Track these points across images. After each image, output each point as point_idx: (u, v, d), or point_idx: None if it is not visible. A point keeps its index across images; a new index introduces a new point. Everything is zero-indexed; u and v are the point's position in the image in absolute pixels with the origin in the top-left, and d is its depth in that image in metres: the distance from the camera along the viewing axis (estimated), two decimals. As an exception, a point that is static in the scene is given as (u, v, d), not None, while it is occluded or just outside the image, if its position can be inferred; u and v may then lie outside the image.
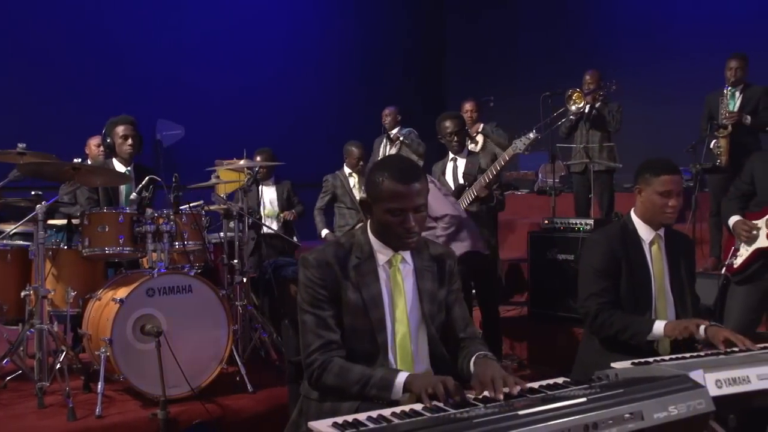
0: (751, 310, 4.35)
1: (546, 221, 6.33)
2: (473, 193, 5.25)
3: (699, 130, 7.06)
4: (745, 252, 4.34)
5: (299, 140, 10.29)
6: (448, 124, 5.48)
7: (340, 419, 2.09)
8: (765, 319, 4.84)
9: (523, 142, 5.21)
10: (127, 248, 4.51)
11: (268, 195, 6.99)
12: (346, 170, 6.90)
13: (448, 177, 5.58)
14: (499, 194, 5.53)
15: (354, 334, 2.59)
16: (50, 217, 4.75)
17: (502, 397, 2.21)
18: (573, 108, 7.23)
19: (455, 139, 5.47)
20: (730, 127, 6.58)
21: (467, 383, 2.51)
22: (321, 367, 2.52)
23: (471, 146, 6.96)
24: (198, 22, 10.35)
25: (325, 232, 6.81)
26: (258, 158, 6.98)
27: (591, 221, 6.00)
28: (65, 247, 4.69)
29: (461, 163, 5.54)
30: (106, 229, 4.46)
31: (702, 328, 3.32)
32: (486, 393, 2.27)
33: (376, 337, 2.59)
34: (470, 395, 2.30)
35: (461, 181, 5.48)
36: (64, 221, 4.81)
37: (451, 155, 5.60)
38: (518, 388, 2.25)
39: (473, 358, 2.58)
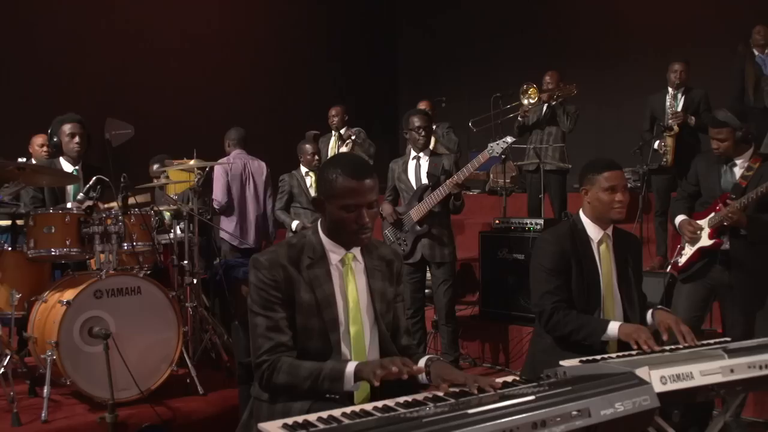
0: (696, 308, 4.45)
1: (497, 221, 6.40)
2: (443, 192, 5.24)
3: (641, 131, 7.22)
4: (689, 251, 4.44)
5: (248, 140, 10.20)
6: (416, 119, 5.47)
7: (290, 420, 2.08)
8: (709, 316, 4.96)
9: (500, 146, 5.24)
10: (74, 249, 4.42)
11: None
12: (303, 169, 6.78)
13: (411, 175, 5.53)
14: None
15: (307, 333, 2.60)
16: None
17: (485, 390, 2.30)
18: (526, 102, 7.28)
19: (422, 133, 5.45)
20: (676, 128, 6.74)
21: (414, 386, 2.54)
22: (270, 367, 2.52)
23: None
24: (146, 19, 10.20)
25: (295, 223, 6.58)
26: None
27: (541, 221, 6.07)
28: (9, 249, 4.58)
29: (424, 162, 5.51)
30: (53, 230, 4.36)
31: (649, 312, 3.40)
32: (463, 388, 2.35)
33: (328, 336, 2.60)
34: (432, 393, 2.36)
35: (424, 180, 5.47)
36: (8, 222, 4.71)
37: (413, 153, 5.55)
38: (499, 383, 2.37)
39: (424, 360, 2.60)
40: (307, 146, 6.81)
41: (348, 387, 2.42)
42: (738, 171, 4.30)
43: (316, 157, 6.76)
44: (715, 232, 4.29)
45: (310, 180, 6.74)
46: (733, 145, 4.28)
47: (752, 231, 4.16)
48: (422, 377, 2.54)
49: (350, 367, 2.43)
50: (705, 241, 4.34)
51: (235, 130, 7.10)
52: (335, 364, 2.48)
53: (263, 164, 6.99)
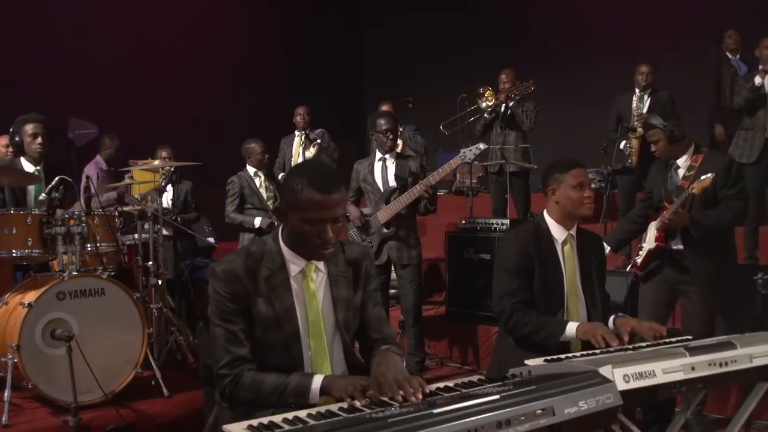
0: (660, 305, 4.51)
1: (463, 221, 6.43)
2: (413, 194, 5.24)
3: (607, 132, 7.30)
4: (643, 251, 4.52)
5: (214, 139, 10.14)
6: (383, 121, 5.44)
7: (255, 422, 2.07)
8: (675, 315, 5.03)
9: (473, 152, 5.30)
10: (36, 251, 4.37)
11: (166, 195, 6.52)
12: (250, 170, 6.67)
13: (377, 177, 5.49)
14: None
15: (267, 347, 2.54)
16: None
17: (411, 400, 2.17)
18: (483, 105, 7.27)
19: (390, 136, 5.43)
20: (640, 129, 6.82)
21: None
22: (232, 383, 2.48)
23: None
24: (109, 19, 10.08)
25: (258, 220, 6.43)
26: (163, 153, 6.87)
27: (507, 221, 6.12)
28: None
29: (391, 164, 5.48)
30: (14, 231, 4.30)
31: (611, 319, 3.45)
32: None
33: (290, 350, 2.55)
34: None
35: (392, 183, 5.46)
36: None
37: (379, 155, 5.52)
38: (420, 395, 2.20)
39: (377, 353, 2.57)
40: (254, 145, 6.66)
41: (314, 401, 2.38)
42: (681, 172, 4.38)
43: (267, 156, 6.66)
44: (664, 234, 4.37)
45: (259, 180, 6.64)
46: (667, 145, 4.37)
47: (695, 229, 4.24)
48: None
49: (316, 383, 2.39)
50: (651, 242, 4.43)
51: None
52: (300, 379, 2.43)
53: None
